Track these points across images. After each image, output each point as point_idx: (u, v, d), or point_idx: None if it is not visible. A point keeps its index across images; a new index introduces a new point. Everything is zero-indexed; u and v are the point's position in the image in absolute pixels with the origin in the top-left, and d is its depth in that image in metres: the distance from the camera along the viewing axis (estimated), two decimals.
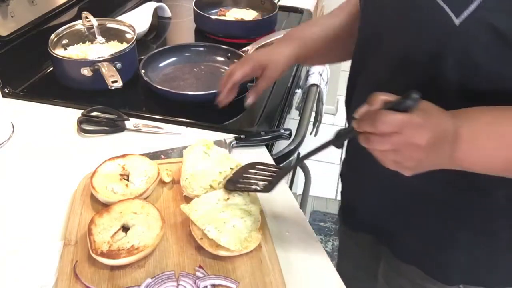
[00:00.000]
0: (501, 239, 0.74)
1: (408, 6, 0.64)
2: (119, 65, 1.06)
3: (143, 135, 0.95)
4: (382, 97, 0.56)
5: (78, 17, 1.21)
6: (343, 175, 0.95)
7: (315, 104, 1.29)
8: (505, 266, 0.77)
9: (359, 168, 0.85)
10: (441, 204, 0.74)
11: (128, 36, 1.17)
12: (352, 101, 0.83)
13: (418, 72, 0.66)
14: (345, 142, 0.64)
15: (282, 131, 0.95)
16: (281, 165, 0.96)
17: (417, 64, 0.65)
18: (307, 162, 1.42)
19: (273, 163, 0.90)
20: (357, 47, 0.80)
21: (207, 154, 0.81)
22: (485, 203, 0.71)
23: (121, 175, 0.79)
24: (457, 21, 0.58)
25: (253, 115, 1.04)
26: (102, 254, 0.64)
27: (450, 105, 0.59)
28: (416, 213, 0.78)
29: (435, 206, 0.74)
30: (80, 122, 0.95)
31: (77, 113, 0.98)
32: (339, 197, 2.41)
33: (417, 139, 0.54)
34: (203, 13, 1.37)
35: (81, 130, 0.94)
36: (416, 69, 0.66)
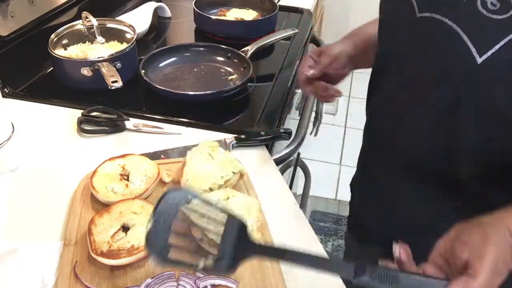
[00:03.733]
0: None
1: (427, 34, 0.62)
2: (119, 65, 1.06)
3: (143, 135, 0.95)
4: None
5: (78, 17, 1.21)
6: (353, 186, 0.92)
7: (315, 104, 1.29)
8: None
9: (371, 189, 0.84)
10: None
11: (128, 36, 1.17)
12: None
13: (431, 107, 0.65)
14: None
15: (282, 131, 0.95)
16: (280, 165, 0.96)
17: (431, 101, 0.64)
18: (307, 162, 1.42)
19: (273, 163, 0.90)
20: (374, 62, 0.79)
21: (211, 156, 0.81)
22: None
23: (121, 175, 0.79)
24: (479, 60, 0.57)
25: (253, 115, 1.04)
26: (102, 254, 0.64)
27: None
28: (421, 244, 0.74)
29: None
30: (80, 122, 0.95)
31: (77, 113, 0.98)
32: (339, 197, 2.42)
33: None
34: (203, 13, 1.37)
35: (81, 130, 0.94)
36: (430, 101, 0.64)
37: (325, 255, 0.54)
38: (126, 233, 0.68)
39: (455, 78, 0.61)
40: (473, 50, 0.58)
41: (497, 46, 0.56)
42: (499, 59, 0.56)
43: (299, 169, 1.40)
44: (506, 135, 0.60)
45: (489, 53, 0.56)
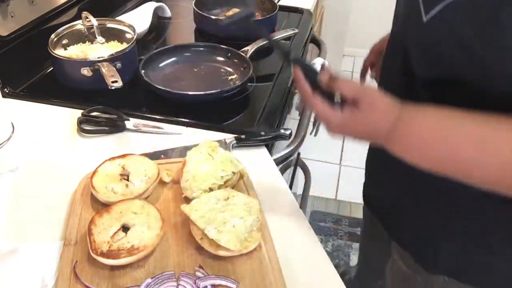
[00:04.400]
0: (494, 242, 0.73)
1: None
2: (119, 65, 1.06)
3: (143, 135, 0.95)
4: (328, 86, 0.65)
5: (78, 17, 1.21)
6: (368, 156, 0.96)
7: None
8: (494, 268, 0.75)
9: (378, 155, 0.88)
10: (439, 193, 0.74)
11: (128, 36, 1.17)
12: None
13: (393, 61, 0.73)
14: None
15: (282, 131, 0.95)
16: (280, 165, 0.96)
17: (393, 54, 0.73)
18: (307, 162, 1.42)
19: (273, 163, 0.90)
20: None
21: (211, 156, 0.81)
22: (483, 204, 0.70)
23: (121, 175, 0.79)
24: (425, 19, 0.61)
25: (253, 115, 1.04)
26: (102, 254, 0.64)
27: (416, 96, 0.64)
28: (416, 200, 0.79)
29: (434, 195, 0.75)
30: (80, 122, 0.95)
31: (77, 113, 0.98)
32: (339, 197, 2.41)
33: (332, 132, 0.65)
34: (203, 13, 1.37)
35: (81, 130, 0.94)
36: (391, 58, 0.74)
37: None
38: (126, 233, 0.68)
39: (406, 35, 0.68)
40: (422, 7, 0.61)
41: (440, 6, 0.58)
42: (441, 19, 0.58)
43: (299, 169, 1.40)
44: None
45: (433, 12, 0.59)
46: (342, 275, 1.39)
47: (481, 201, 0.68)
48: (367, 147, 0.93)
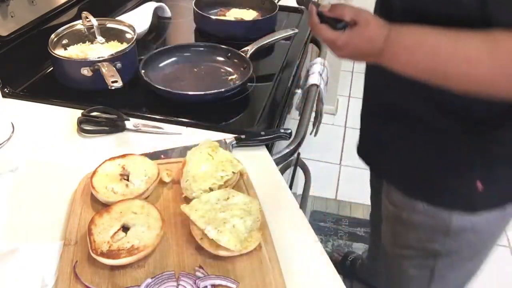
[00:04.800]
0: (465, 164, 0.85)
1: None
2: (119, 65, 1.06)
3: (143, 135, 0.95)
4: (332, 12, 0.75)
5: (78, 17, 1.21)
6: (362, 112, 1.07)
7: (315, 104, 1.29)
8: (465, 189, 0.86)
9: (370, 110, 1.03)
10: (417, 121, 0.86)
11: (128, 36, 1.17)
12: None
13: None
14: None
15: (282, 131, 0.95)
16: (280, 165, 0.96)
17: None
18: (307, 162, 1.42)
19: (273, 163, 0.90)
20: None
21: (211, 156, 0.81)
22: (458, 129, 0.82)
23: (121, 175, 0.79)
24: None
25: (253, 115, 1.04)
26: (102, 254, 0.64)
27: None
28: (392, 130, 0.92)
29: (410, 124, 0.88)
30: (80, 122, 0.95)
31: (77, 113, 0.98)
32: (339, 197, 2.42)
33: (338, 55, 0.77)
34: (203, 13, 1.37)
35: (81, 130, 0.94)
36: None
37: None
38: (126, 233, 0.68)
39: None
40: None
41: None
42: None
43: (299, 169, 1.40)
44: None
45: None
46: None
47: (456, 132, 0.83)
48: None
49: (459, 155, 0.84)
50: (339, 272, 0.69)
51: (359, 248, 1.98)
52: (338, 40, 0.74)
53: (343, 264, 1.86)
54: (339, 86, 2.79)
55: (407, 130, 0.89)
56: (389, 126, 0.92)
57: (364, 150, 1.08)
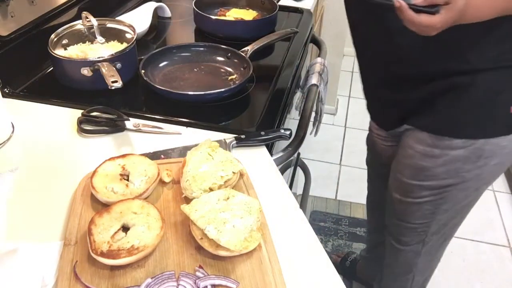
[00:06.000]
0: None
1: None
2: (119, 65, 1.06)
3: (143, 135, 0.95)
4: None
5: (78, 17, 1.21)
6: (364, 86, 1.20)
7: (315, 104, 1.29)
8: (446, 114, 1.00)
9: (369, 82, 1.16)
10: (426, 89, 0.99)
11: (128, 36, 1.17)
12: None
13: None
14: None
15: (282, 131, 0.95)
16: (280, 165, 0.96)
17: None
18: (307, 162, 1.42)
19: (273, 163, 0.90)
20: None
21: (211, 156, 0.81)
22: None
23: (121, 175, 0.79)
24: None
25: (253, 115, 1.04)
26: (102, 254, 0.64)
27: None
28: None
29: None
30: (80, 122, 0.95)
31: (77, 113, 0.98)
32: (339, 197, 2.42)
33: (434, 33, 0.81)
34: (203, 13, 1.37)
35: (81, 130, 0.95)
36: None
37: None
38: (126, 233, 0.68)
39: None
40: None
41: None
42: None
43: (299, 169, 1.40)
44: None
45: None
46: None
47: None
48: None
49: (489, 89, 0.95)
50: (339, 272, 0.69)
51: (359, 248, 1.98)
52: (439, 23, 0.79)
53: (343, 264, 1.86)
54: (339, 86, 2.79)
55: (439, 85, 0.98)
56: (419, 87, 1.01)
57: (393, 118, 1.15)
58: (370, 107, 1.24)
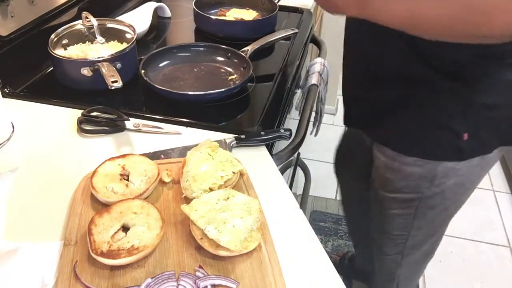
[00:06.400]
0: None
1: None
2: (119, 65, 1.06)
3: (143, 135, 0.95)
4: None
5: (78, 17, 1.21)
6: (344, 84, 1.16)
7: (315, 104, 1.29)
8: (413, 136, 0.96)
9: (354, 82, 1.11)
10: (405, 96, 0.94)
11: (128, 36, 1.17)
12: None
13: None
14: None
15: (282, 131, 0.95)
16: (280, 165, 0.96)
17: None
18: (307, 162, 1.42)
19: (273, 163, 0.90)
20: None
21: (211, 156, 0.81)
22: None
23: (121, 175, 0.79)
24: None
25: (253, 115, 1.04)
26: (102, 254, 0.64)
27: None
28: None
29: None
30: (80, 122, 0.95)
31: (77, 113, 0.98)
32: (339, 197, 2.41)
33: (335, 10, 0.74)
34: (203, 13, 1.37)
35: (81, 130, 0.95)
36: None
37: None
38: (126, 233, 0.68)
39: None
40: None
41: None
42: None
43: (299, 169, 1.40)
44: None
45: None
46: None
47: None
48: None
49: (445, 111, 0.91)
50: (339, 272, 0.69)
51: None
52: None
53: (342, 264, 1.86)
54: (339, 86, 2.79)
55: (403, 92, 0.94)
56: (385, 90, 0.97)
57: (355, 118, 1.14)
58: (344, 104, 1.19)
